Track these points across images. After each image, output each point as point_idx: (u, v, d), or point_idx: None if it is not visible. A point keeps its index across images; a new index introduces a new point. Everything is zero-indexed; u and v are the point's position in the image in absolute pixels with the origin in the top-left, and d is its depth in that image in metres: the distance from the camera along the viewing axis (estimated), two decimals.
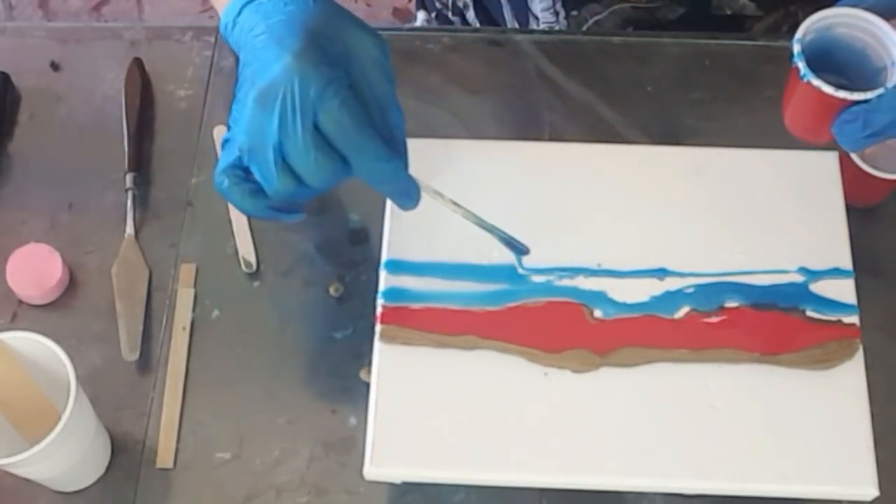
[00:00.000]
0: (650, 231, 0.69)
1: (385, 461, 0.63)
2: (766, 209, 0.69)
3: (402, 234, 0.69)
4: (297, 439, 0.72)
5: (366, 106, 0.59)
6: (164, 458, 0.71)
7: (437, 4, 1.03)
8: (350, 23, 0.60)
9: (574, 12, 0.90)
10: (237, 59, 0.61)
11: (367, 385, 0.66)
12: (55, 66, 0.86)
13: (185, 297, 0.76)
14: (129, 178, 0.80)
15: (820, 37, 0.62)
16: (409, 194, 0.62)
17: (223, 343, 0.75)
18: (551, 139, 0.80)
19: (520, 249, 0.67)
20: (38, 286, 0.76)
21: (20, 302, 0.77)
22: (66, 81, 0.86)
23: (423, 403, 0.64)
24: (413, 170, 0.69)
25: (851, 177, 0.71)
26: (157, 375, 0.74)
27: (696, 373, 0.65)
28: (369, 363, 0.66)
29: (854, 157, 0.72)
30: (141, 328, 0.75)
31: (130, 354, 0.74)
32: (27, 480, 0.68)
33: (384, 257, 0.68)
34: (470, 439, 0.63)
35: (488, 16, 0.98)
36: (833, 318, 0.66)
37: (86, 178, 0.81)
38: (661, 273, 0.68)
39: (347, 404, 0.72)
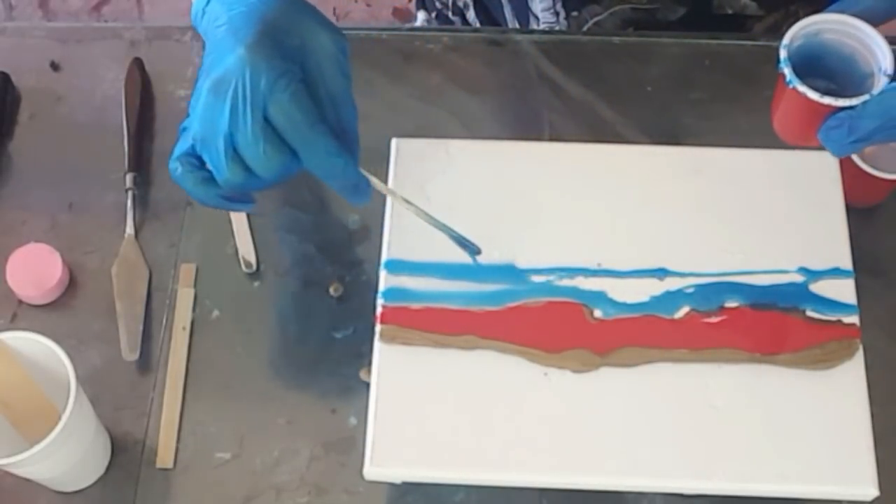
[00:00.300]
0: (650, 231, 0.69)
1: (385, 461, 0.63)
2: (765, 209, 0.69)
3: (402, 234, 0.69)
4: (297, 439, 0.72)
5: (318, 100, 0.60)
6: (164, 458, 0.71)
7: (438, 4, 1.03)
8: (310, 17, 0.60)
9: (574, 13, 0.90)
10: None
11: (367, 385, 0.66)
12: (55, 66, 0.86)
13: (185, 297, 0.76)
14: (129, 178, 0.80)
15: (808, 42, 0.62)
16: (358, 190, 0.62)
17: (223, 343, 0.75)
18: (551, 139, 0.80)
19: (472, 249, 0.67)
20: (38, 286, 0.76)
21: (20, 302, 0.77)
22: (66, 81, 0.86)
23: (423, 403, 0.64)
24: (413, 170, 0.69)
25: (851, 177, 0.71)
26: (157, 375, 0.74)
27: (695, 373, 0.65)
28: (369, 363, 0.66)
29: (854, 156, 0.72)
30: (141, 328, 0.75)
31: (130, 354, 0.74)
32: (27, 480, 0.68)
33: (384, 257, 0.68)
34: (470, 439, 0.63)
35: (489, 16, 0.98)
36: (833, 318, 0.66)
37: (86, 178, 0.81)
38: (661, 273, 0.68)
39: (347, 404, 0.72)
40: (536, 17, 0.92)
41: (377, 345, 0.66)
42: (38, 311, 0.77)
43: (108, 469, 0.72)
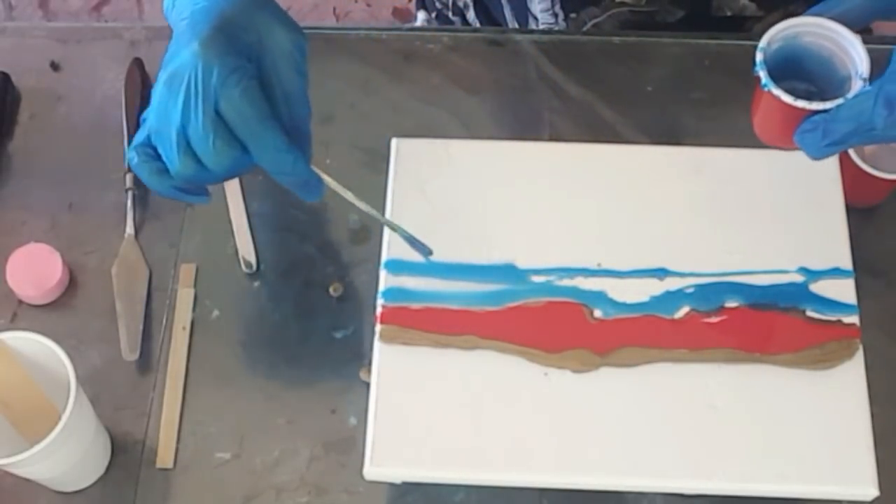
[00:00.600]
0: (650, 231, 0.69)
1: (385, 461, 0.63)
2: (766, 209, 0.69)
3: None
4: (297, 439, 0.72)
5: (272, 97, 0.61)
6: (164, 458, 0.71)
7: (438, 4, 1.03)
8: (269, 15, 0.61)
9: (573, 14, 0.90)
10: None
11: (367, 385, 0.66)
12: (55, 66, 0.86)
13: (185, 297, 0.76)
14: (129, 178, 0.80)
15: (787, 45, 0.62)
16: (309, 187, 0.63)
17: (223, 343, 0.75)
18: (551, 139, 0.80)
19: (424, 250, 0.68)
20: (38, 286, 0.76)
21: (20, 302, 0.77)
22: (66, 81, 0.86)
23: (423, 403, 0.64)
24: (413, 170, 0.69)
25: (851, 177, 0.71)
26: (157, 375, 0.74)
27: (695, 373, 0.65)
28: (369, 363, 0.66)
29: (854, 157, 0.72)
30: (141, 328, 0.75)
31: (130, 354, 0.74)
32: (27, 480, 0.68)
33: (384, 257, 0.68)
34: (470, 439, 0.63)
35: (489, 16, 0.98)
36: (833, 318, 0.66)
37: (86, 178, 0.81)
38: (661, 273, 0.68)
39: (347, 404, 0.72)
40: (535, 18, 0.92)
41: (377, 345, 0.66)
42: (38, 311, 0.77)
43: (108, 469, 0.72)
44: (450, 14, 1.02)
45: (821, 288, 0.67)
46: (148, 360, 0.74)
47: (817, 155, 0.60)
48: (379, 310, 0.67)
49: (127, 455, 0.72)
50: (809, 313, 0.66)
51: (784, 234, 0.68)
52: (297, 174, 0.61)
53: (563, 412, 0.64)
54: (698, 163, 0.71)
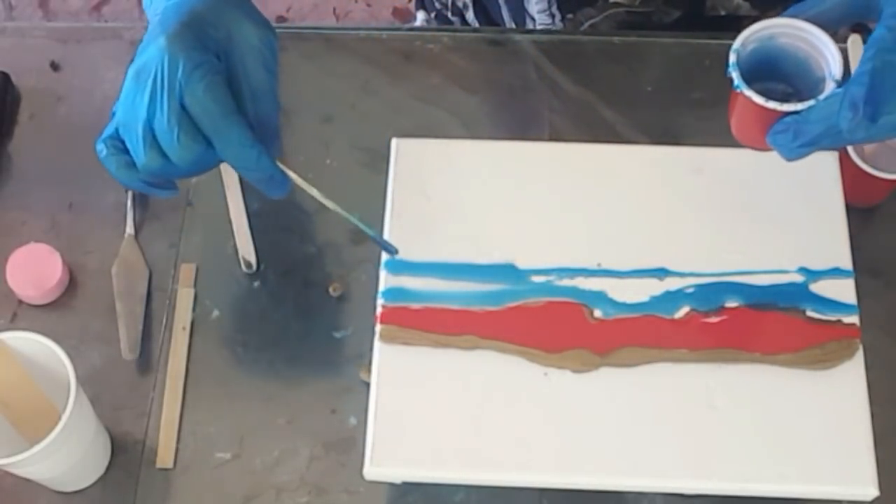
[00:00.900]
0: (650, 231, 0.69)
1: (385, 461, 0.63)
2: (766, 209, 0.69)
3: (402, 234, 0.69)
4: (297, 439, 0.72)
5: (238, 93, 0.61)
6: (164, 458, 0.71)
7: (437, 5, 1.03)
8: (240, 11, 0.62)
9: (569, 15, 0.90)
10: None
11: (367, 385, 0.66)
12: (55, 66, 0.86)
13: (185, 297, 0.76)
14: None
15: (763, 46, 0.62)
16: (275, 183, 0.63)
17: (223, 343, 0.75)
18: (551, 139, 0.80)
19: (391, 249, 0.68)
20: (38, 286, 0.76)
21: (20, 302, 0.77)
22: (66, 81, 0.86)
23: (423, 403, 0.64)
24: (413, 170, 0.69)
25: (851, 177, 0.71)
26: (157, 375, 0.74)
27: (696, 373, 0.65)
28: (369, 363, 0.66)
29: (854, 157, 0.72)
30: (141, 328, 0.75)
31: (130, 354, 0.74)
32: (27, 480, 0.68)
33: (384, 257, 0.68)
34: (470, 439, 0.63)
35: (487, 16, 0.98)
36: (833, 318, 0.66)
37: (86, 178, 0.81)
38: (661, 273, 0.68)
39: (347, 404, 0.72)
40: (533, 19, 0.92)
41: (377, 345, 0.66)
42: (38, 311, 0.77)
43: (108, 469, 0.72)
44: (449, 14, 1.02)
45: (821, 288, 0.67)
46: (148, 360, 0.75)
47: (790, 156, 0.60)
48: (379, 310, 0.67)
49: (127, 455, 0.72)
50: (809, 313, 0.66)
51: (784, 234, 0.68)
52: (261, 170, 0.62)
53: (563, 412, 0.64)
54: (698, 163, 0.71)
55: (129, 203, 0.79)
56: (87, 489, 0.71)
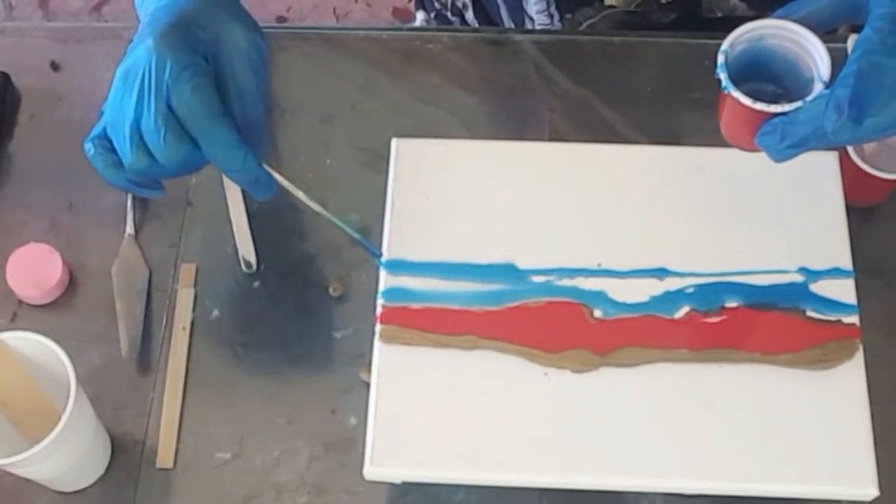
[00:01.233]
0: (650, 231, 0.69)
1: (385, 461, 0.63)
2: (766, 209, 0.69)
3: (402, 234, 0.69)
4: (297, 439, 0.72)
5: (225, 94, 0.62)
6: (164, 458, 0.71)
7: (437, 5, 1.03)
8: (228, 14, 0.62)
9: (568, 15, 0.90)
10: None
11: (367, 385, 0.66)
12: (55, 66, 0.86)
13: (185, 297, 0.76)
14: None
15: (752, 47, 0.62)
16: (261, 185, 0.64)
17: (223, 343, 0.75)
18: (551, 139, 0.80)
19: (375, 253, 0.68)
20: (38, 286, 0.76)
21: (20, 302, 0.77)
22: (66, 81, 0.86)
23: (423, 403, 0.64)
24: (413, 169, 0.69)
25: (851, 177, 0.71)
26: (157, 375, 0.74)
27: (696, 373, 0.65)
28: (369, 363, 0.66)
29: (854, 157, 0.72)
30: (141, 328, 0.75)
31: (130, 354, 0.74)
32: (27, 480, 0.68)
33: (384, 257, 0.68)
34: (470, 439, 0.63)
35: (487, 16, 0.98)
36: (833, 318, 0.66)
37: (86, 178, 0.81)
38: (661, 273, 0.68)
39: (347, 404, 0.72)
40: (531, 19, 0.92)
41: (377, 345, 0.66)
42: (38, 311, 0.77)
43: (108, 469, 0.72)
44: (448, 14, 1.02)
45: (821, 288, 0.67)
46: (148, 360, 0.75)
47: (778, 157, 0.60)
48: (379, 310, 0.67)
49: (127, 455, 0.72)
50: (809, 313, 0.66)
51: (784, 234, 0.68)
52: (247, 171, 0.62)
53: (563, 412, 0.64)
54: (698, 163, 0.71)
55: (129, 203, 0.79)
56: (87, 489, 0.71)
